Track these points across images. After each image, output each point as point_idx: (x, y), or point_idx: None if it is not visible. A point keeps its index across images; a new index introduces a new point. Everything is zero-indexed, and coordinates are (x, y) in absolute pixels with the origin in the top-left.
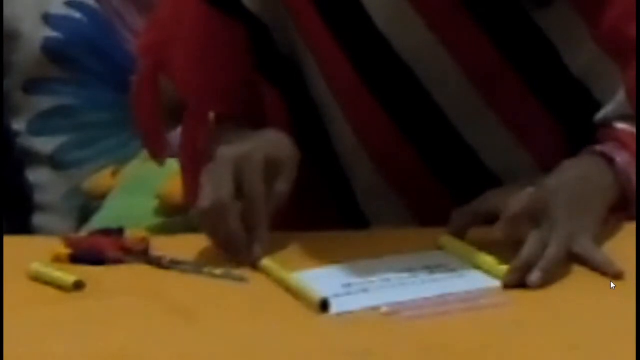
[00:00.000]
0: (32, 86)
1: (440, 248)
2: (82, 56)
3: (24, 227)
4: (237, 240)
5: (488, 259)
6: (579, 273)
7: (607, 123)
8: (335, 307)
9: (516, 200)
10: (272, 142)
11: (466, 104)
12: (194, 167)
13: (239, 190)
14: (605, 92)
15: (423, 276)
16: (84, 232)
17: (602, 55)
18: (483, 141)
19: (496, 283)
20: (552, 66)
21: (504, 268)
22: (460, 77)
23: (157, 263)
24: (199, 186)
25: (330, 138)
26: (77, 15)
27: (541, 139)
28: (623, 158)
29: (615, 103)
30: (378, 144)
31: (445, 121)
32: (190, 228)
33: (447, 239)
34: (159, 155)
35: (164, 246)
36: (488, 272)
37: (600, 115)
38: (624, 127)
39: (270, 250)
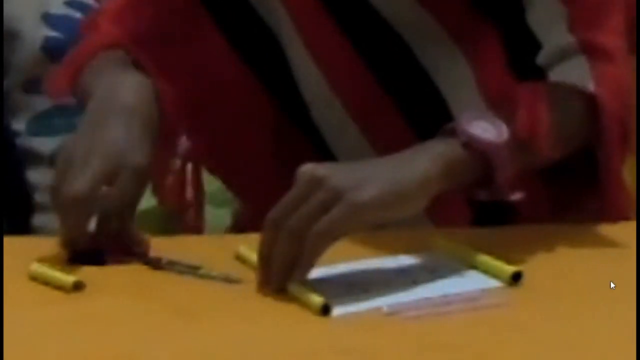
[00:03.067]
0: (32, 86)
1: (439, 248)
2: None
3: (24, 227)
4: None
5: (488, 259)
6: (578, 273)
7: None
8: (335, 307)
9: (279, 204)
10: (118, 146)
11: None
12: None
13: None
14: None
15: (423, 276)
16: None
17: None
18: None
19: (496, 283)
20: None
21: (504, 268)
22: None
23: (155, 264)
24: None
25: (298, 85)
26: (77, 15)
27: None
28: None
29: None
30: (346, 87)
31: (426, 78)
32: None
33: (446, 240)
34: (58, 93)
35: (164, 246)
36: (487, 272)
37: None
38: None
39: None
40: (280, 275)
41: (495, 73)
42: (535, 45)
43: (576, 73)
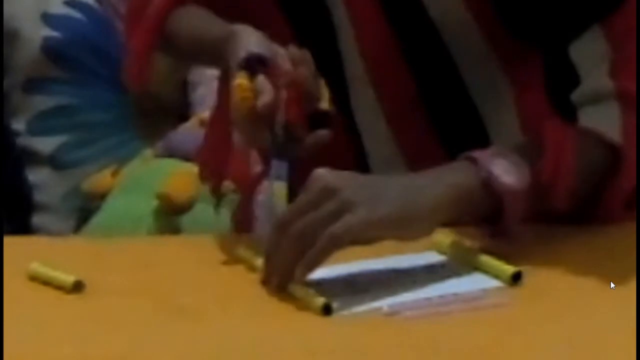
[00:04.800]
0: (32, 86)
1: (439, 248)
2: (81, 56)
3: (24, 227)
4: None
5: (488, 259)
6: (578, 273)
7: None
8: (336, 307)
9: (289, 207)
10: None
11: (487, 77)
12: None
13: None
14: None
15: (424, 276)
16: (84, 232)
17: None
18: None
19: (496, 283)
20: None
21: (504, 268)
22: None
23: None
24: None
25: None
26: (77, 14)
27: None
28: (495, 163)
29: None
30: (395, 103)
31: (464, 93)
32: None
33: (446, 240)
34: (139, 81)
35: (164, 246)
36: (487, 272)
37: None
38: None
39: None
40: (283, 275)
41: (534, 98)
42: (573, 78)
43: (607, 120)
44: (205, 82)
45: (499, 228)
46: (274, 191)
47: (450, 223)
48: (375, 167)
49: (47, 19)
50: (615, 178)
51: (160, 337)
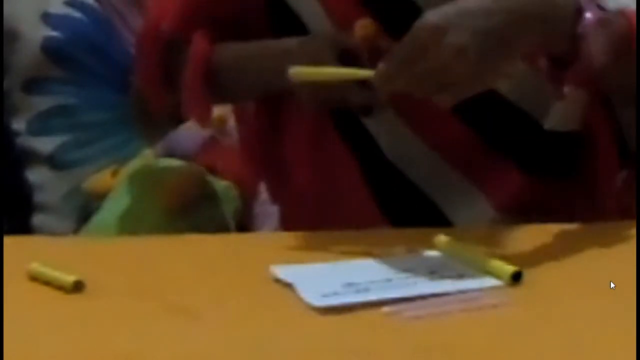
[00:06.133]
0: (32, 86)
1: (439, 248)
2: (81, 56)
3: (24, 227)
4: None
5: (488, 259)
6: (578, 273)
7: None
8: (336, 307)
9: (400, 43)
10: None
11: None
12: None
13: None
14: None
15: (423, 276)
16: (84, 232)
17: None
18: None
19: (496, 283)
20: None
21: (504, 268)
22: None
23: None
24: None
25: None
26: (77, 14)
27: None
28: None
29: None
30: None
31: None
32: (191, 228)
33: (446, 240)
34: (205, 119)
35: (165, 246)
36: (487, 272)
37: None
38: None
39: (271, 249)
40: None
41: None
42: None
43: None
44: None
45: (578, 67)
46: None
47: (449, 223)
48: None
49: (47, 18)
50: None
51: (160, 337)
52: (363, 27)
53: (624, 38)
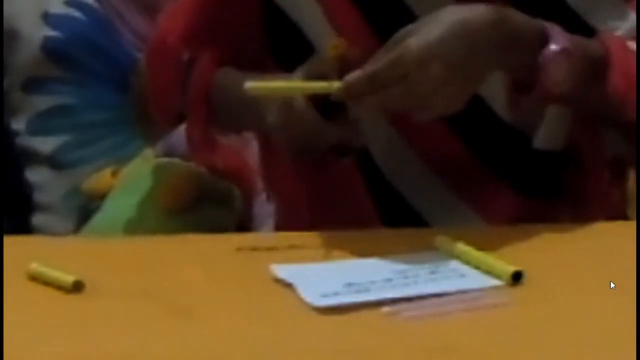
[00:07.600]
0: (32, 86)
1: (439, 248)
2: (81, 55)
3: (24, 227)
4: None
5: (488, 259)
6: (578, 273)
7: None
8: (336, 307)
9: (378, 58)
10: None
11: None
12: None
13: None
14: None
15: (424, 276)
16: (84, 232)
17: None
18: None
19: (496, 283)
20: None
21: (504, 268)
22: None
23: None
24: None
25: None
26: (77, 14)
27: None
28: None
29: None
30: None
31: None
32: (192, 228)
33: (446, 240)
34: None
35: (165, 246)
36: (488, 272)
37: None
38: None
39: (273, 249)
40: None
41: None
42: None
43: None
44: None
45: (539, 91)
46: None
47: (496, 215)
48: (377, 151)
49: (47, 18)
50: None
51: (160, 337)
52: (334, 47)
53: (594, 66)
